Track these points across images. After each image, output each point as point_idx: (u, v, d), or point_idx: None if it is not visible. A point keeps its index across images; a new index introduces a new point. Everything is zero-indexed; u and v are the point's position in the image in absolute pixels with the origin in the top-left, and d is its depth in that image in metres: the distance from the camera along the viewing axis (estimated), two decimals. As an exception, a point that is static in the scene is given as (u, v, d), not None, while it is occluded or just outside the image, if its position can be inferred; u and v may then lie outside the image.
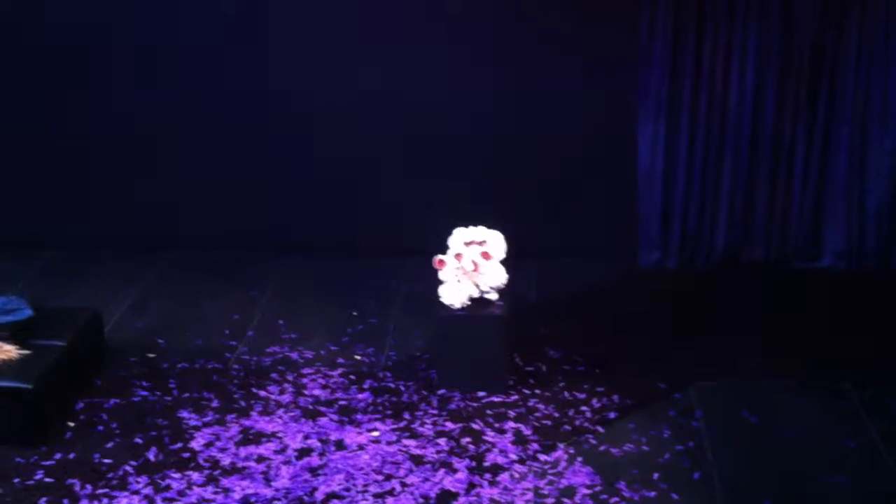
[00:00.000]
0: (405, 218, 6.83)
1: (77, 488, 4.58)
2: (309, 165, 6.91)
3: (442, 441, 4.93)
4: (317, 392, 5.40)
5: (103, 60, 6.76)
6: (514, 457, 4.80)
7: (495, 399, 5.27)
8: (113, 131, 6.90)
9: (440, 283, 5.45)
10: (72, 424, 5.07)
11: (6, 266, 6.76)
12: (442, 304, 5.42)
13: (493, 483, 4.62)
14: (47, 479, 4.65)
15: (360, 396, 5.36)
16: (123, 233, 7.05)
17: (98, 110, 6.85)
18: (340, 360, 5.73)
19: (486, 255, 5.43)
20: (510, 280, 5.49)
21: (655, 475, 4.63)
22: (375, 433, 5.01)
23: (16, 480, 4.63)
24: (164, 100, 6.79)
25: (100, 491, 4.57)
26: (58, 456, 4.82)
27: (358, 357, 5.77)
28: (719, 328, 6.02)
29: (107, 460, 4.79)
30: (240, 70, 6.74)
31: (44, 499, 4.51)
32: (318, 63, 6.70)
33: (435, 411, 5.19)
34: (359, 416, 5.16)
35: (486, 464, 4.75)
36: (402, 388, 5.42)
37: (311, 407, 5.25)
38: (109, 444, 4.91)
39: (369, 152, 6.83)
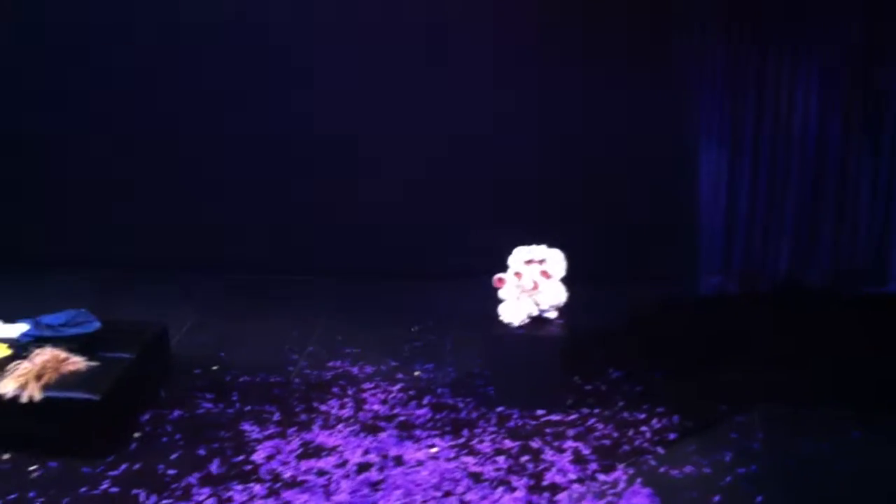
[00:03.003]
0: (462, 238, 6.82)
1: (142, 499, 4.66)
2: (367, 188, 6.96)
3: (500, 459, 4.94)
4: (376, 407, 5.44)
5: (153, 93, 6.92)
6: (573, 476, 4.79)
7: (554, 417, 5.27)
8: (172, 153, 7.05)
9: (500, 301, 5.47)
10: (137, 435, 5.17)
11: (70, 281, 6.88)
12: (501, 322, 5.44)
13: (551, 502, 4.61)
14: (113, 489, 4.74)
15: (419, 412, 5.39)
16: (185, 252, 7.15)
17: (156, 135, 7.02)
18: (400, 376, 5.78)
19: (545, 274, 5.44)
20: (570, 299, 5.49)
21: (716, 498, 4.58)
22: (434, 450, 5.04)
23: (82, 490, 4.73)
24: (224, 125, 6.93)
25: (164, 502, 4.64)
26: (123, 466, 4.91)
27: (417, 373, 5.81)
28: (782, 353, 5.94)
29: (171, 471, 4.87)
30: (288, 93, 6.86)
31: (110, 508, 4.61)
32: (366, 93, 6.79)
33: (493, 429, 5.20)
34: (418, 432, 5.19)
35: (545, 483, 4.74)
36: (461, 405, 5.44)
37: (370, 422, 5.29)
38: (174, 456, 5.00)
39: (425, 175, 6.89)
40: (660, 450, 4.97)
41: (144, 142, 7.03)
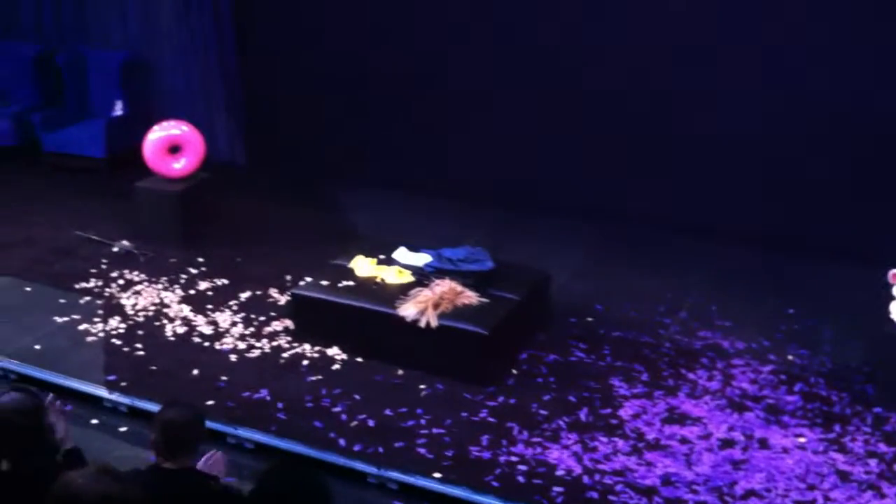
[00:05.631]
0: (864, 226, 6.52)
1: (515, 432, 5.01)
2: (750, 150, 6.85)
3: (872, 462, 4.78)
4: (745, 385, 5.43)
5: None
6: (951, 497, 4.55)
7: (937, 431, 5.00)
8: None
9: (892, 298, 5.22)
10: (515, 372, 5.54)
11: (460, 220, 7.17)
12: (891, 320, 5.20)
13: (924, 519, 4.42)
14: (490, 419, 5.13)
15: (788, 398, 5.31)
16: (568, 199, 7.33)
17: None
18: (771, 357, 5.70)
19: (950, 277, 5.11)
20: (974, 307, 5.13)
21: None
22: (802, 439, 4.96)
23: (463, 414, 5.16)
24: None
25: (535, 439, 4.96)
26: (500, 399, 5.29)
27: (790, 357, 5.70)
28: None
29: (543, 411, 5.18)
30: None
31: (485, 436, 4.99)
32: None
33: (868, 429, 5.03)
34: (786, 419, 5.13)
35: (919, 497, 4.55)
36: (835, 399, 5.29)
37: (737, 399, 5.29)
38: (546, 397, 5.31)
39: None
40: None
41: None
